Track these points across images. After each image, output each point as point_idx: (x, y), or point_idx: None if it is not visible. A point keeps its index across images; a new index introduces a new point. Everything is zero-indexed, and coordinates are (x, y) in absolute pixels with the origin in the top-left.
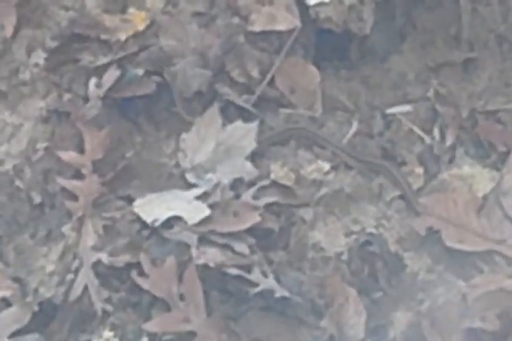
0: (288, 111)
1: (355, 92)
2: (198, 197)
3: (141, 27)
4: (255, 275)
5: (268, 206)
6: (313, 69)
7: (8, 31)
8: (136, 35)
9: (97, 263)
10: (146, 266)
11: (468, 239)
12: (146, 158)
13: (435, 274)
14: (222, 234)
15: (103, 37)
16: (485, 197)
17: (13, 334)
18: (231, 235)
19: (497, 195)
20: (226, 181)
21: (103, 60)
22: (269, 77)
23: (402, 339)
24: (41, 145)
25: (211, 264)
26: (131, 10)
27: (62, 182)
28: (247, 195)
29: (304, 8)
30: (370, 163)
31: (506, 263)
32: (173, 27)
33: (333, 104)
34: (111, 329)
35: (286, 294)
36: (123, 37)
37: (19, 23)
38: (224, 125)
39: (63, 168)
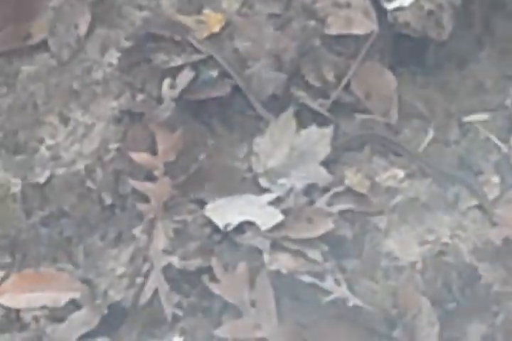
0: (363, 116)
1: (431, 99)
2: (271, 203)
3: (216, 29)
4: (328, 283)
5: (342, 213)
6: (389, 74)
7: (82, 30)
8: (211, 37)
9: (168, 266)
10: (218, 271)
11: None
12: (219, 161)
13: (510, 286)
14: (295, 241)
15: (177, 38)
16: None
17: (82, 337)
18: (304, 242)
19: None
20: (300, 186)
21: (177, 61)
22: (344, 81)
23: None
24: (113, 145)
25: (283, 271)
26: (207, 11)
27: (134, 183)
28: (320, 201)
29: (381, 12)
30: (446, 172)
31: None
32: (249, 29)
33: (409, 110)
34: (181, 335)
35: (359, 303)
36: (198, 38)
37: (93, 22)
38: (298, 129)
39: (135, 169)
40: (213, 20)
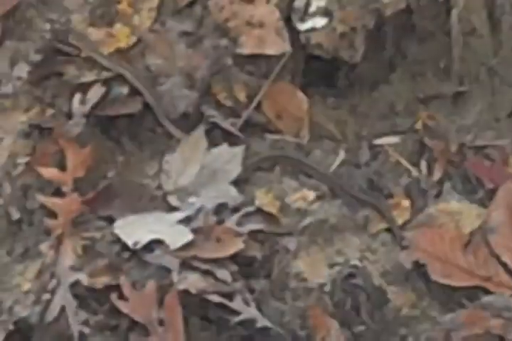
0: (274, 136)
1: (342, 121)
2: (181, 221)
3: (123, 43)
4: (237, 304)
5: (252, 233)
6: (301, 95)
7: None
8: (121, 52)
9: (76, 283)
10: (126, 290)
11: (454, 274)
12: (129, 178)
13: (419, 310)
14: (205, 260)
15: (85, 53)
16: (472, 234)
17: None
18: (213, 261)
19: (484, 231)
20: (210, 206)
21: (88, 77)
22: (256, 101)
23: None
24: (22, 160)
25: (192, 290)
26: (118, 26)
27: (42, 199)
28: (230, 221)
29: (294, 32)
30: (356, 195)
31: (492, 300)
32: (160, 46)
33: (320, 131)
34: None
35: (268, 324)
36: (105, 52)
37: (3, 35)
38: (209, 148)
39: (43, 184)
40: (122, 35)
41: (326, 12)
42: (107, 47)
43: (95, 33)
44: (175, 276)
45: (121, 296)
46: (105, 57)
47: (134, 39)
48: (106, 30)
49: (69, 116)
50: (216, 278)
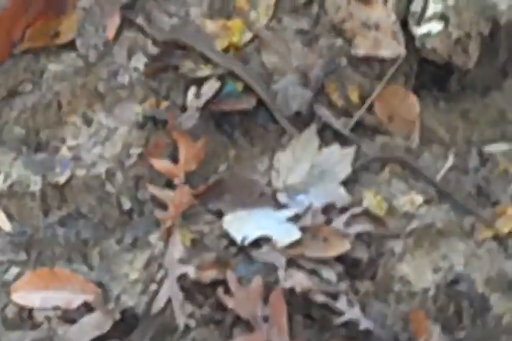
0: (384, 139)
1: (453, 126)
2: (289, 219)
3: (237, 38)
4: (341, 304)
5: (358, 234)
6: (413, 98)
7: (111, 33)
8: (236, 48)
9: (183, 276)
10: (232, 285)
11: None
12: (239, 173)
13: None
14: (311, 259)
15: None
16: None
17: None
18: (319, 261)
19: None
20: (318, 205)
21: (204, 71)
22: (368, 102)
23: None
24: (135, 150)
25: (298, 289)
26: (234, 21)
27: (154, 190)
28: (338, 222)
29: (409, 36)
30: (461, 202)
31: None
32: (276, 43)
33: (430, 135)
34: None
35: (371, 326)
36: (220, 45)
37: (122, 25)
38: (320, 147)
39: (155, 175)
40: (237, 30)
41: (442, 17)
42: (222, 40)
43: (211, 26)
44: (281, 274)
45: (227, 291)
46: (218, 54)
47: (249, 35)
48: (222, 23)
49: (183, 109)
50: (321, 278)
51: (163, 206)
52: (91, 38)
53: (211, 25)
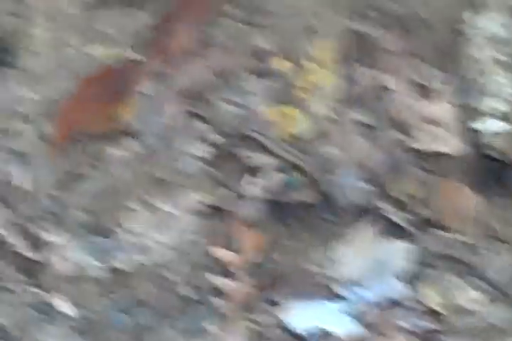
0: (443, 234)
1: (510, 222)
2: (346, 311)
3: (293, 127)
4: None
5: (415, 330)
6: (470, 193)
7: (171, 120)
8: (297, 138)
9: None
10: None
11: None
12: (296, 263)
13: None
14: None
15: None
16: None
17: None
18: None
19: None
20: (374, 298)
21: (263, 161)
22: (427, 197)
23: None
24: (194, 238)
25: None
26: (295, 111)
27: (212, 278)
28: (396, 316)
29: (468, 131)
30: None
31: None
32: (337, 135)
33: (488, 231)
34: None
35: None
36: (281, 135)
37: (184, 112)
38: (377, 240)
39: (214, 264)
40: (298, 120)
41: (503, 116)
42: (282, 130)
43: (272, 115)
44: None
45: None
46: (278, 145)
47: (310, 126)
48: (283, 113)
49: (242, 198)
50: None
51: (222, 295)
52: (151, 126)
53: (272, 115)
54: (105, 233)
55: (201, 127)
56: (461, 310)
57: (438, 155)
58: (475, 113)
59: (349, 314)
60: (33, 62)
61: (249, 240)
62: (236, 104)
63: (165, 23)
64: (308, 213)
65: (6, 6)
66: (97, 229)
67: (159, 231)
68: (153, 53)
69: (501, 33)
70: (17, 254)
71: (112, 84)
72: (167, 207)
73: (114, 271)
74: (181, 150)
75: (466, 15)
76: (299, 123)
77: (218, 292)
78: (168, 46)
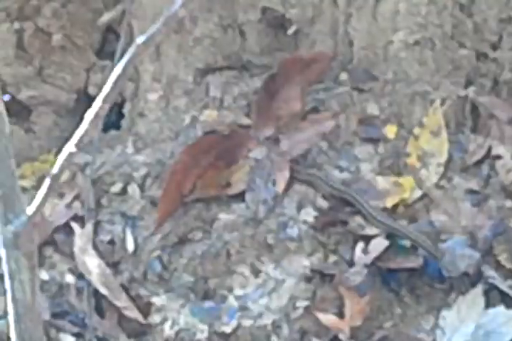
0: None
1: None
2: None
3: (407, 195)
4: None
5: None
6: None
7: (280, 187)
8: (405, 205)
9: None
10: None
11: None
12: (404, 331)
13: None
14: None
15: (372, 203)
16: None
17: None
18: None
19: None
20: None
21: (372, 230)
22: None
23: None
24: (301, 303)
25: None
26: (405, 178)
27: None
28: None
29: None
30: None
31: None
32: (446, 202)
33: None
34: None
35: None
36: (390, 202)
37: (291, 178)
38: (486, 308)
39: (321, 329)
40: (408, 187)
41: None
42: (393, 197)
43: (382, 182)
44: None
45: None
46: (383, 214)
47: (419, 193)
48: (394, 180)
49: (351, 264)
50: None
51: None
52: (260, 192)
53: (382, 182)
54: (214, 297)
55: (310, 193)
56: None
57: None
58: None
59: None
60: (146, 127)
61: (357, 306)
62: (346, 170)
63: (272, 87)
64: (416, 280)
65: None
66: (206, 294)
67: (268, 296)
68: (262, 118)
69: None
70: (123, 316)
71: (222, 149)
72: (276, 273)
73: (222, 335)
74: (290, 215)
75: None
76: (408, 191)
77: None
78: (277, 110)
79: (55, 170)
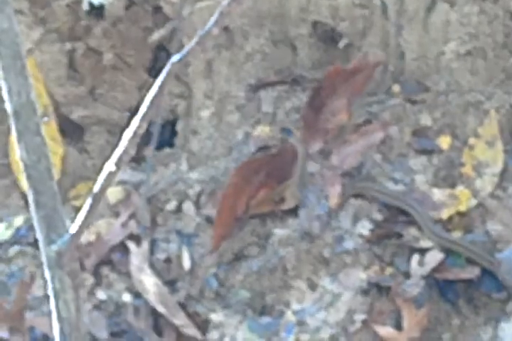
0: None
1: None
2: None
3: (463, 207)
4: None
5: None
6: None
7: (333, 202)
8: (461, 215)
9: None
10: None
11: None
12: None
13: None
14: None
15: (428, 214)
16: None
17: None
18: None
19: None
20: None
21: (427, 243)
22: None
23: None
24: (359, 317)
25: None
26: (460, 189)
27: None
28: None
29: None
30: None
31: None
32: (501, 212)
33: None
34: None
35: None
36: (446, 214)
37: (346, 191)
38: None
39: None
40: (463, 198)
41: None
42: (448, 209)
43: (438, 194)
44: None
45: None
46: (436, 227)
47: (474, 203)
48: (449, 192)
49: (407, 276)
50: None
51: None
52: (313, 208)
53: (438, 194)
54: (272, 313)
55: (365, 205)
56: None
57: None
58: None
59: None
60: (199, 144)
61: (414, 318)
62: (401, 182)
63: (317, 101)
64: (473, 290)
65: (173, 89)
66: (264, 309)
67: (325, 310)
68: (311, 132)
69: None
70: (181, 334)
71: (271, 167)
72: (333, 286)
73: None
74: (345, 228)
75: None
76: (464, 203)
77: None
78: (325, 124)
79: (96, 189)
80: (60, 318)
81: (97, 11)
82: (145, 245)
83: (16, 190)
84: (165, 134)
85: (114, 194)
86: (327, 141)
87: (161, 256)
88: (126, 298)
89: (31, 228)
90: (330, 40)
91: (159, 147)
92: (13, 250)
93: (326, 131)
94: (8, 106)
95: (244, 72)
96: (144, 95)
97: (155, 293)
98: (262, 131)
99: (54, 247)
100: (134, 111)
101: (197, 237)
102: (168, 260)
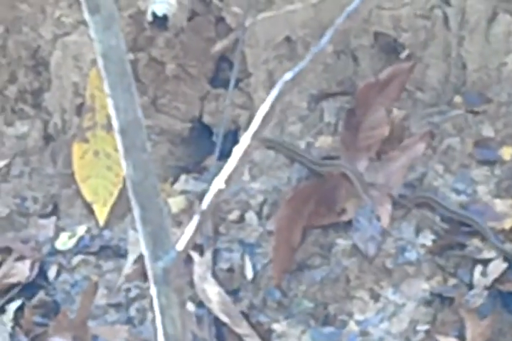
0: None
1: None
2: None
3: None
4: None
5: None
6: None
7: (385, 221)
8: None
9: None
10: None
11: None
12: None
13: None
14: None
15: (490, 225)
16: None
17: None
18: None
19: None
20: None
21: (490, 254)
22: None
23: None
24: (422, 327)
25: None
26: None
27: None
28: None
29: None
30: None
31: None
32: None
33: None
34: None
35: None
36: (508, 225)
37: (402, 202)
38: None
39: None
40: None
41: None
42: (511, 219)
43: (500, 205)
44: None
45: None
46: (501, 238)
47: None
48: (511, 202)
49: (470, 287)
50: None
51: None
52: (367, 230)
53: (500, 205)
54: (335, 323)
55: (427, 216)
56: None
57: None
58: None
59: None
60: (261, 154)
61: (478, 329)
62: (463, 193)
63: (353, 120)
64: None
65: (236, 99)
66: (326, 319)
67: (388, 320)
68: (352, 152)
69: None
70: None
71: (320, 195)
72: (395, 297)
73: None
74: (408, 239)
75: None
76: None
77: None
78: (365, 141)
79: (204, 206)
80: (166, 335)
81: (160, 22)
82: (208, 255)
83: (78, 199)
84: (227, 145)
85: (176, 204)
86: (372, 158)
87: (223, 265)
88: (190, 307)
89: (94, 237)
90: (391, 51)
91: (221, 157)
92: (76, 259)
93: (368, 148)
94: (114, 124)
95: (307, 83)
96: (206, 105)
97: (218, 302)
98: (324, 141)
99: (161, 264)
100: (196, 122)
101: (259, 247)
102: (230, 269)
